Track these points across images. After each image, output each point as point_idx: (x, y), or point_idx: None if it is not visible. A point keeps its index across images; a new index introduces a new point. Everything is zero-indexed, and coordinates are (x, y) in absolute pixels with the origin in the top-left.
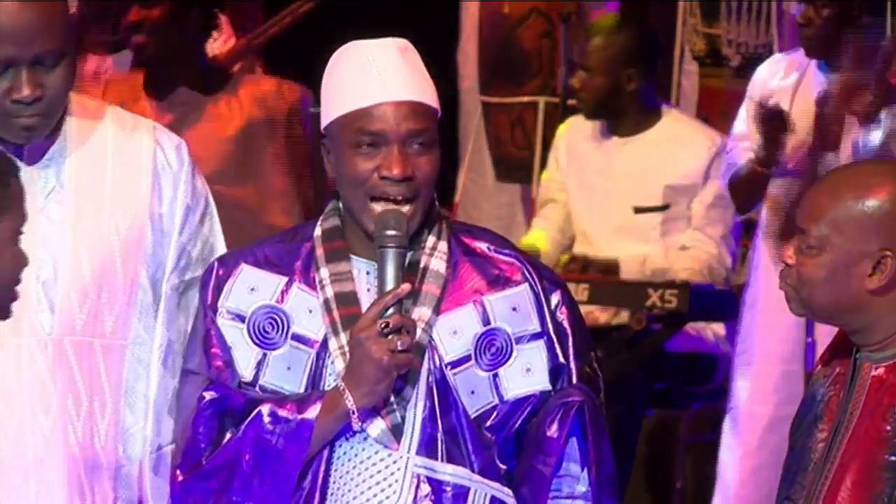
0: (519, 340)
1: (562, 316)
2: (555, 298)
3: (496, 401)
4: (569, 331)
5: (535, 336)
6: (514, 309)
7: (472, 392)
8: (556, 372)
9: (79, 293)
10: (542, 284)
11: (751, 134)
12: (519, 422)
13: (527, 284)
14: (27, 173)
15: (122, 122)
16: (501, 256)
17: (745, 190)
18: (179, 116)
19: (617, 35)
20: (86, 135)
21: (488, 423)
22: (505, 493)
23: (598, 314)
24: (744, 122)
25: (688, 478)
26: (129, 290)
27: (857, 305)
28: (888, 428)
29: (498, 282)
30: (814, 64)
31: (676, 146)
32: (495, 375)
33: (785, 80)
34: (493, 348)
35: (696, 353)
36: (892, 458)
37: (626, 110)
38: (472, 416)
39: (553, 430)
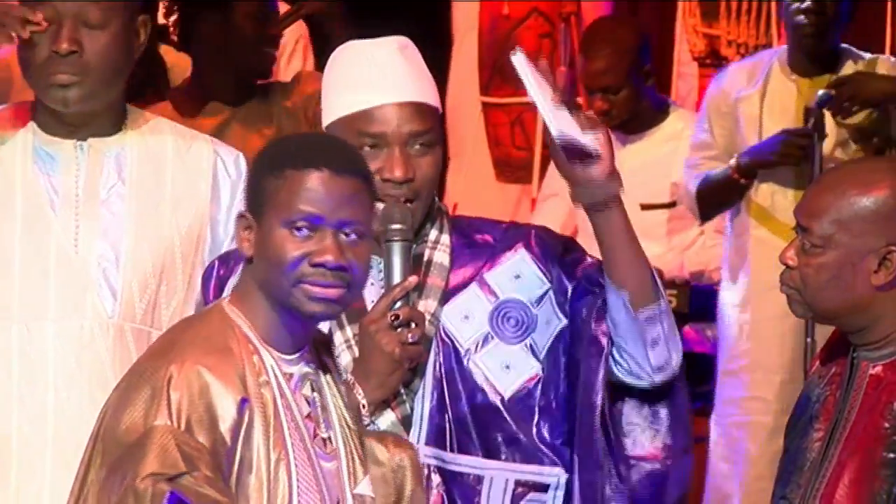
0: (535, 303)
1: (543, 247)
2: (536, 241)
3: (539, 367)
4: (553, 251)
5: (546, 292)
6: (517, 277)
7: (507, 367)
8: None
9: (140, 283)
10: (533, 241)
11: (743, 142)
12: (562, 379)
13: (522, 248)
14: (90, 166)
15: (181, 132)
16: (497, 234)
17: (718, 198)
18: None
19: (621, 41)
20: (146, 139)
21: (538, 392)
22: (547, 473)
23: None
24: (706, 132)
25: None
26: (186, 287)
27: (862, 303)
28: (886, 425)
29: (495, 256)
30: (776, 67)
31: (684, 143)
32: (531, 344)
33: (748, 88)
34: (511, 320)
35: (696, 354)
36: (891, 455)
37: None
38: (512, 392)
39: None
